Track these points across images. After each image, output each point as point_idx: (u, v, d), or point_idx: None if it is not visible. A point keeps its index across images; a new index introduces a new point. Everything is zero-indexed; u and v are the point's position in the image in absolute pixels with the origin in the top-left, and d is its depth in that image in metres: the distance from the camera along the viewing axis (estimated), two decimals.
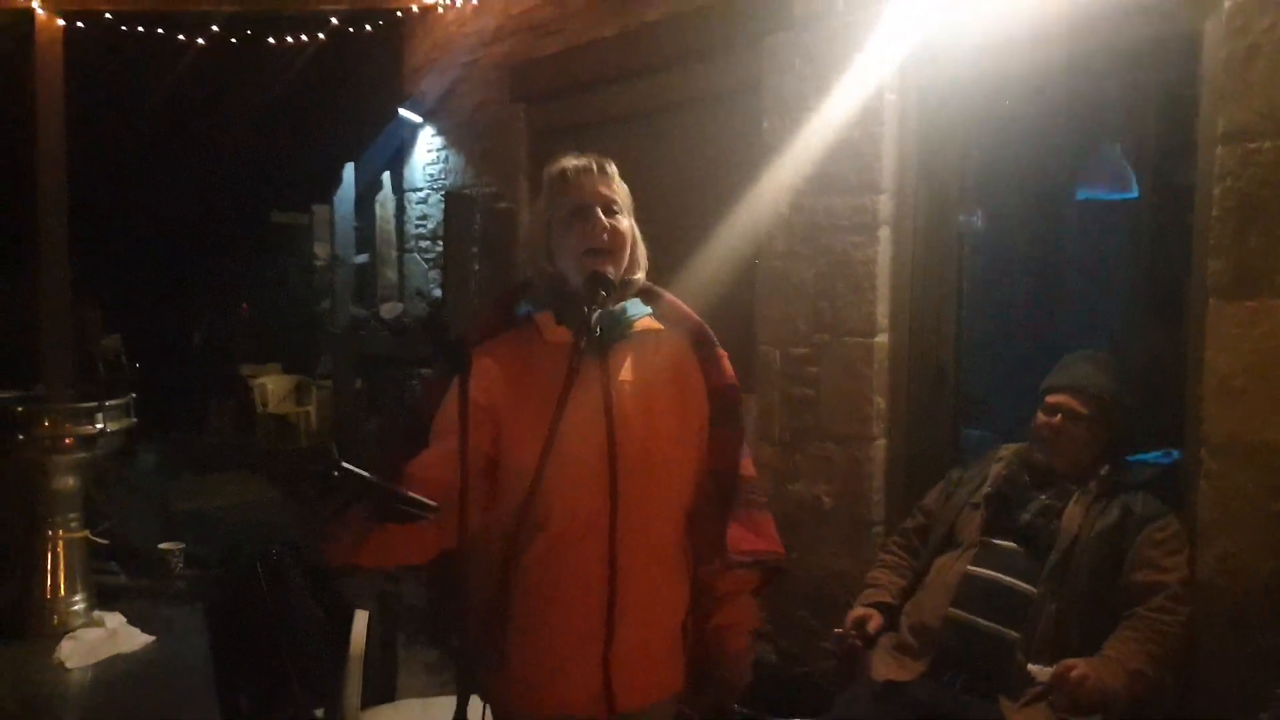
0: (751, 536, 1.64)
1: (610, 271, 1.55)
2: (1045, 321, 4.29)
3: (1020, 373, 2.57)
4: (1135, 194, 3.89)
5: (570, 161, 1.61)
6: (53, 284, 4.46)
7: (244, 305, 10.26)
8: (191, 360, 9.06)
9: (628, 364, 1.60)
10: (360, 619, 2.35)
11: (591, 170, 1.59)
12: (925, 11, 2.73)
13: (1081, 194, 4.17)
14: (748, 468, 1.69)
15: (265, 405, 8.07)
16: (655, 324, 1.63)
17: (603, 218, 1.56)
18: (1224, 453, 2.12)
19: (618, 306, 1.60)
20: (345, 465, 1.27)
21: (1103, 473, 2.28)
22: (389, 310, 5.18)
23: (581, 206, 1.57)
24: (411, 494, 1.33)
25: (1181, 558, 2.12)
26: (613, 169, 1.62)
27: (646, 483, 1.56)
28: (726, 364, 1.68)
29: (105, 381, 6.80)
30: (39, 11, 4.36)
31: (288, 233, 9.41)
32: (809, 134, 3.03)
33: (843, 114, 2.94)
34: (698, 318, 1.69)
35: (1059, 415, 2.32)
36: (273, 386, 8.18)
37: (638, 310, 1.62)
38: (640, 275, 1.65)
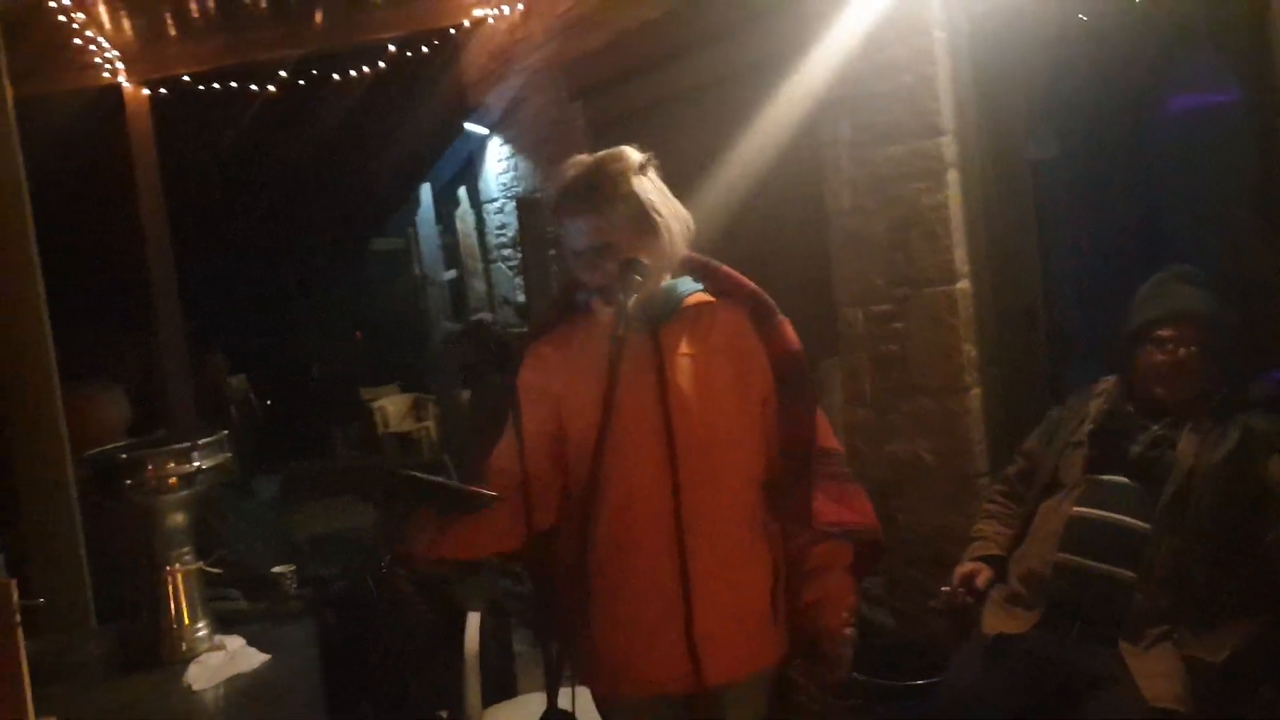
0: (838, 508, 1.60)
1: (643, 259, 1.54)
2: (1144, 243, 4.03)
3: (1120, 301, 2.41)
4: (1234, 94, 3.61)
5: (558, 187, 1.59)
6: (170, 336, 4.79)
7: (357, 333, 10.75)
8: (313, 390, 9.52)
9: (683, 341, 1.59)
10: (473, 621, 2.43)
11: (573, 203, 1.55)
12: None
13: (1175, 103, 3.89)
14: (827, 439, 1.66)
15: (386, 425, 8.43)
16: (707, 298, 1.61)
17: (590, 266, 1.55)
18: None
19: (665, 284, 1.59)
20: (402, 470, 1.34)
21: (1219, 396, 2.14)
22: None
23: (573, 251, 1.57)
24: (468, 487, 1.38)
25: None
26: (602, 183, 1.53)
27: (708, 459, 1.56)
28: (789, 331, 1.63)
29: (236, 420, 7.24)
30: (125, 85, 4.68)
31: (389, 257, 9.84)
32: (861, 85, 2.95)
33: (892, 59, 2.84)
34: (754, 286, 1.65)
35: (1177, 349, 2.16)
36: (392, 407, 8.54)
37: (688, 287, 1.61)
38: (677, 251, 1.60)
